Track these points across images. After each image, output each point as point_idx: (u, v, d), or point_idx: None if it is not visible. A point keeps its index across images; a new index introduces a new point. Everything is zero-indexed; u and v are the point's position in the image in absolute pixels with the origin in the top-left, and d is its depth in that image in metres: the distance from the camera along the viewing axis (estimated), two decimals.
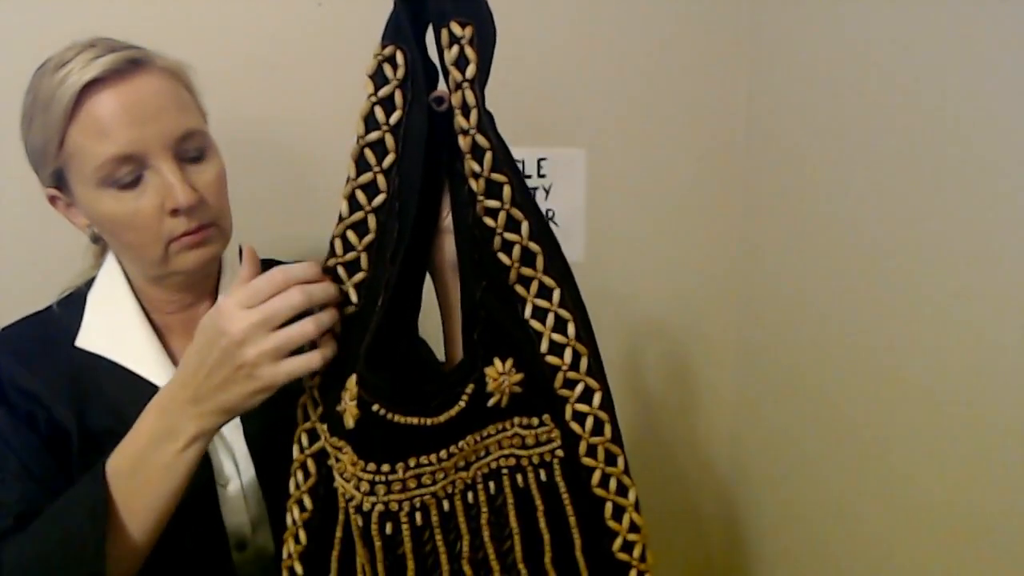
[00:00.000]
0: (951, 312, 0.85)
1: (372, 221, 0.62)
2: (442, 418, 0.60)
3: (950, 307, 0.86)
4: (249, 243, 0.68)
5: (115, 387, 0.74)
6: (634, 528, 0.66)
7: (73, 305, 0.78)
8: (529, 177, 1.22)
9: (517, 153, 1.16)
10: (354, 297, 0.64)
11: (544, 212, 1.21)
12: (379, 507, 0.60)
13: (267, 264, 0.86)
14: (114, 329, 0.76)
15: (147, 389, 0.73)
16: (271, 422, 0.68)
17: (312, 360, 0.61)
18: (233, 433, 0.77)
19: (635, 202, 1.27)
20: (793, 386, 1.17)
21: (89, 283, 0.80)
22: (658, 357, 1.32)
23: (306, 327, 0.60)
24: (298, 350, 0.61)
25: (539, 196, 1.22)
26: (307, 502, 0.67)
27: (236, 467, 0.76)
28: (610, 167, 1.24)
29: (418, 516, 0.61)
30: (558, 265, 0.64)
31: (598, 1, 1.18)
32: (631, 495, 0.66)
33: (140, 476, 0.63)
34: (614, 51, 1.21)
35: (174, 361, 0.77)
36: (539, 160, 1.21)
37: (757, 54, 1.22)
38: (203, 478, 0.70)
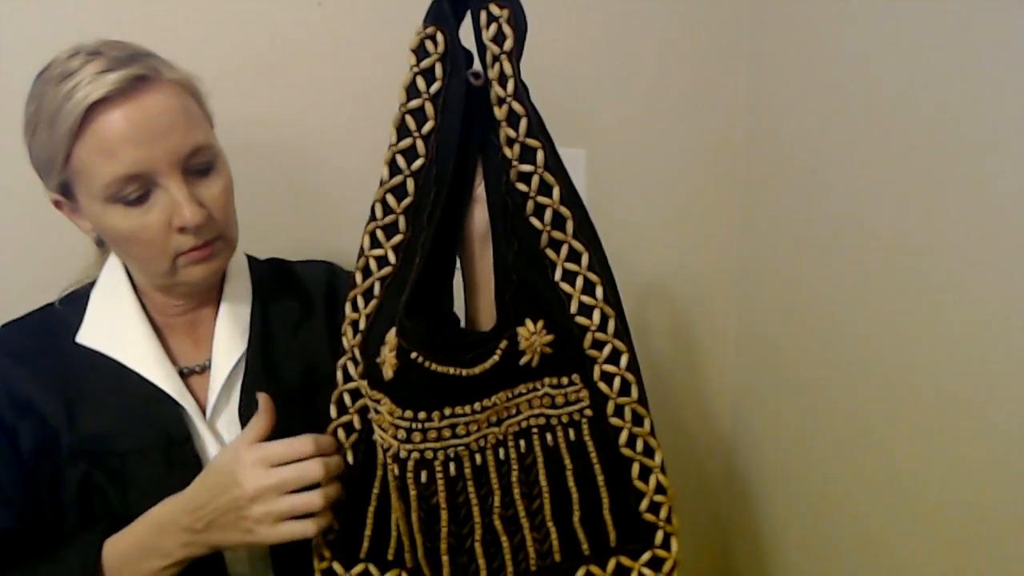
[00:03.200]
0: (952, 308, 0.86)
1: (411, 185, 0.66)
2: (477, 370, 0.62)
3: (951, 303, 0.86)
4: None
5: (112, 386, 0.74)
6: (660, 489, 0.68)
7: (76, 302, 0.79)
8: None
9: None
10: (392, 258, 0.67)
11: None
12: (415, 455, 0.61)
13: (271, 263, 0.88)
14: (115, 327, 0.77)
15: (144, 388, 0.74)
16: None
17: (307, 530, 0.65)
18: (228, 429, 0.78)
19: (635, 202, 1.27)
20: (794, 385, 1.17)
21: (93, 282, 0.80)
22: (658, 356, 1.32)
23: (314, 500, 0.64)
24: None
25: None
26: (349, 457, 0.68)
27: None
28: (610, 167, 1.24)
29: (452, 466, 0.63)
30: (586, 230, 0.67)
31: (598, 1, 1.19)
32: (657, 457, 0.68)
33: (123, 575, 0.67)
34: (615, 51, 1.21)
35: (173, 361, 0.77)
36: None
37: (757, 54, 1.23)
38: (193, 474, 0.70)
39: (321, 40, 1.06)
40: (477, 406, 0.63)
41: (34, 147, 0.70)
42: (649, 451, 0.68)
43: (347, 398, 0.69)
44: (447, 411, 0.62)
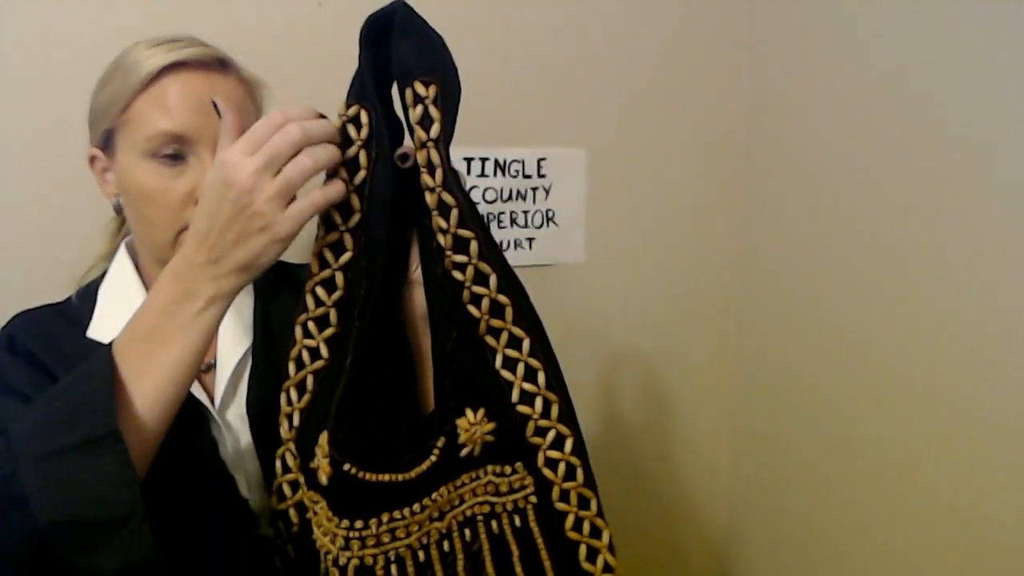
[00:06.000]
0: (951, 312, 0.86)
1: (340, 279, 0.63)
2: (413, 473, 0.61)
3: (950, 307, 0.86)
4: None
5: None
6: (608, 569, 0.67)
7: (85, 297, 0.79)
8: (529, 177, 1.22)
9: (517, 153, 1.21)
10: (324, 352, 0.64)
11: (544, 212, 1.22)
12: (354, 561, 0.61)
13: (274, 266, 0.86)
14: (124, 321, 0.75)
15: None
16: (275, 413, 0.68)
17: (314, 199, 0.58)
18: (237, 422, 0.76)
19: (635, 202, 1.28)
20: (793, 385, 1.18)
21: (102, 276, 0.80)
22: (657, 356, 1.33)
23: (302, 161, 0.57)
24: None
25: (539, 196, 1.23)
26: (289, 551, 0.68)
27: (241, 456, 0.75)
28: (610, 167, 1.25)
29: (394, 568, 0.62)
30: (527, 315, 0.65)
31: (598, 1, 1.18)
32: (605, 537, 0.67)
33: (155, 338, 0.60)
34: (614, 51, 1.21)
35: None
36: (539, 160, 1.22)
37: (757, 54, 1.23)
38: (211, 456, 0.70)
39: (321, 40, 1.06)
40: (417, 507, 0.62)
41: (99, 97, 0.74)
42: (596, 532, 0.67)
43: (286, 489, 0.67)
44: (385, 517, 0.60)
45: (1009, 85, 0.77)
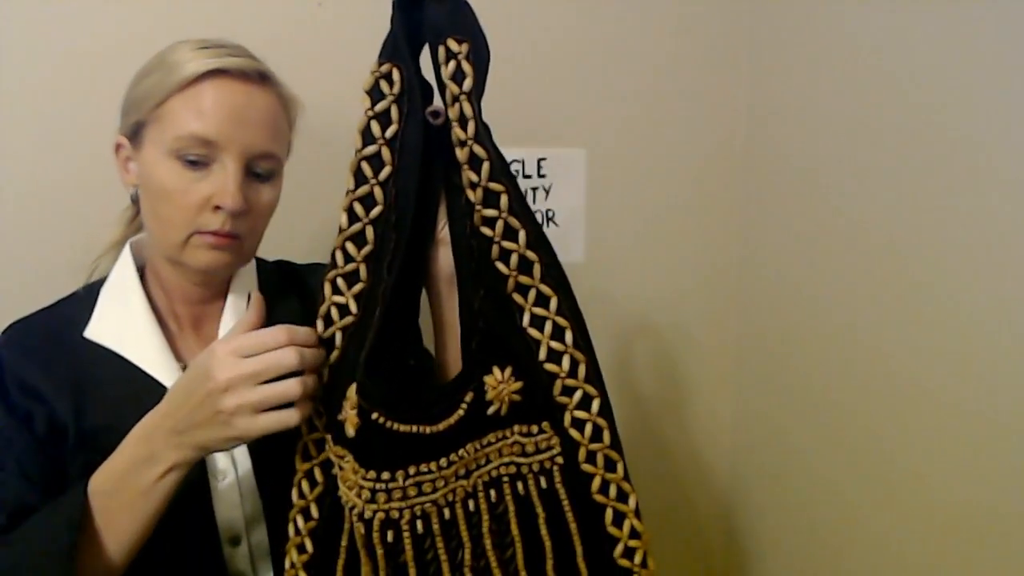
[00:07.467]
0: (951, 311, 0.86)
1: (370, 232, 0.63)
2: (441, 426, 0.60)
3: (949, 306, 0.86)
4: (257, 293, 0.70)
5: (117, 382, 0.75)
6: (635, 534, 0.66)
7: (86, 297, 0.80)
8: (529, 177, 1.22)
9: (517, 153, 1.22)
10: (354, 308, 0.65)
11: (544, 212, 1.23)
12: (380, 515, 0.60)
13: (278, 265, 0.89)
14: (122, 324, 0.77)
15: (149, 386, 0.73)
16: None
17: (289, 418, 0.62)
18: None
19: (635, 202, 1.27)
20: (793, 385, 1.18)
21: (104, 278, 0.81)
22: (657, 356, 1.32)
23: (291, 388, 0.61)
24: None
25: (539, 196, 1.24)
26: (313, 511, 0.67)
27: (233, 462, 0.76)
28: (610, 167, 1.25)
29: (419, 524, 0.61)
30: (555, 273, 0.65)
31: (598, 1, 1.19)
32: (631, 501, 0.66)
33: (119, 497, 0.65)
34: (614, 51, 1.21)
35: (178, 358, 0.78)
36: (539, 160, 1.22)
37: (757, 55, 1.23)
38: (197, 472, 0.70)
39: (321, 40, 1.06)
40: (443, 462, 0.61)
41: (136, 88, 0.75)
42: (623, 496, 0.66)
43: (311, 448, 0.67)
44: (412, 470, 0.60)
45: (1010, 85, 0.77)
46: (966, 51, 0.82)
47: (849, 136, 1.01)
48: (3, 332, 0.78)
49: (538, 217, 1.22)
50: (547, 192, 1.23)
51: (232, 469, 0.76)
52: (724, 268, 1.33)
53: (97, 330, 0.77)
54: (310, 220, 1.05)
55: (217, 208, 0.71)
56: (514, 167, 1.21)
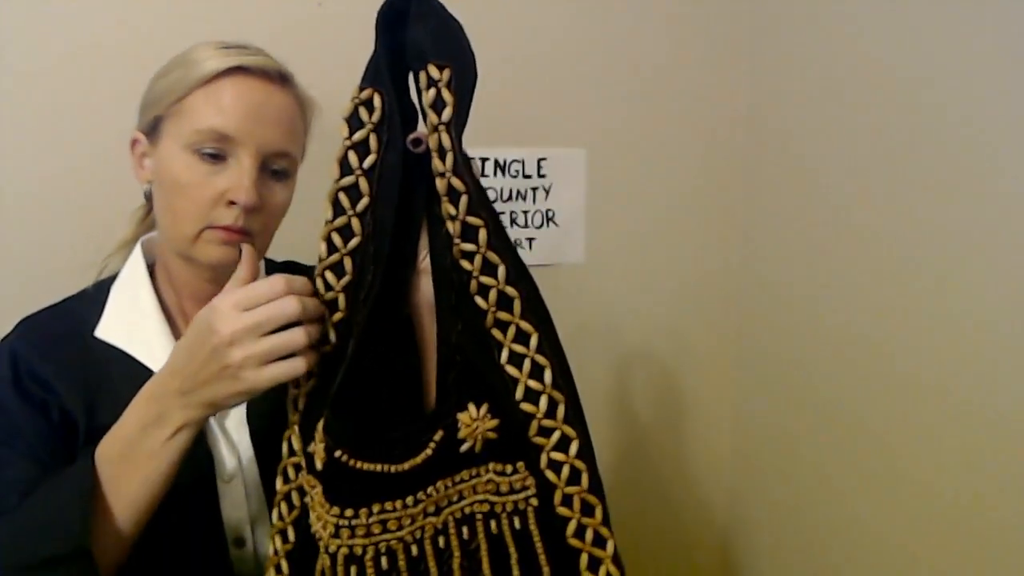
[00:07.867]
0: (951, 313, 0.85)
1: (348, 263, 0.62)
2: (406, 465, 0.59)
3: (950, 308, 0.85)
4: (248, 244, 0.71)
5: (126, 381, 0.74)
6: None
7: (97, 296, 0.81)
8: (529, 177, 1.21)
9: (517, 153, 1.21)
10: (332, 336, 0.64)
11: (544, 212, 1.21)
12: (343, 550, 0.60)
13: (287, 266, 0.89)
14: (132, 323, 0.78)
15: None
16: (277, 420, 0.69)
17: (296, 367, 0.61)
18: (238, 429, 0.78)
19: (635, 202, 1.27)
20: (794, 385, 1.17)
21: (114, 276, 0.82)
22: (658, 357, 1.31)
23: (296, 337, 0.60)
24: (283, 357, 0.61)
25: (539, 196, 1.23)
26: (290, 534, 0.67)
27: (239, 463, 0.77)
28: (610, 167, 1.24)
29: (384, 560, 0.60)
30: (536, 309, 0.63)
31: (598, 1, 1.18)
32: (609, 547, 0.64)
33: (128, 462, 0.64)
34: (614, 51, 1.21)
35: None
36: (539, 160, 1.21)
37: (757, 54, 1.22)
38: (204, 471, 0.71)
39: (321, 40, 1.06)
40: (410, 500, 0.60)
41: (156, 85, 0.76)
42: (600, 541, 0.64)
43: (291, 471, 0.67)
44: (376, 508, 0.59)
45: (1010, 84, 0.76)
46: (966, 51, 0.80)
47: (849, 136, 0.99)
48: (15, 327, 0.80)
49: (538, 217, 1.22)
50: (547, 192, 1.22)
51: (239, 471, 0.77)
52: (724, 268, 1.31)
53: (107, 330, 0.78)
54: (310, 220, 1.07)
55: (231, 203, 0.72)
56: (514, 167, 1.20)
